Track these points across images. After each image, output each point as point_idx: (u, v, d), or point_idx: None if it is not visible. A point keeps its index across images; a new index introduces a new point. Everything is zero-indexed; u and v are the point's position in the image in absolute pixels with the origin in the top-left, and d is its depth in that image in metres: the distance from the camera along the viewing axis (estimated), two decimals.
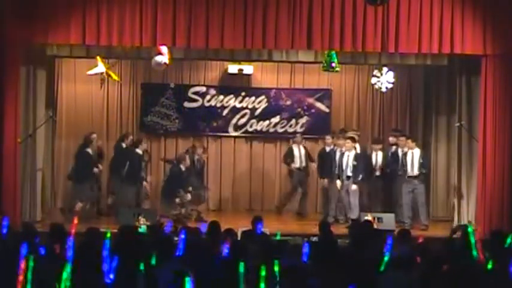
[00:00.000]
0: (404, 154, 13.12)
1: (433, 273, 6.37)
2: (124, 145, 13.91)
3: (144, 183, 13.69)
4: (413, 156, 13.07)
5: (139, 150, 13.64)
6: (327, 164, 13.78)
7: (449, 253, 7.24)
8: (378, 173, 13.39)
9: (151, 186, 14.27)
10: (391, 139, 13.87)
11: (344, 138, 13.71)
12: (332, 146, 13.94)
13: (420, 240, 8.25)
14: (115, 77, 14.20)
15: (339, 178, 13.38)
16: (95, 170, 13.48)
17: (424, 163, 13.08)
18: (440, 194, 14.48)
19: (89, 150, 13.42)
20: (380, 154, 13.54)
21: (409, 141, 13.28)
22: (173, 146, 15.55)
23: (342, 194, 13.35)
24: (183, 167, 13.57)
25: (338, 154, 13.56)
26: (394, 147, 13.62)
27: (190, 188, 13.47)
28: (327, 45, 12.43)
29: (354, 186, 13.11)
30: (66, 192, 14.97)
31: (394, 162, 13.34)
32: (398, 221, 12.93)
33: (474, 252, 6.54)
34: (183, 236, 6.86)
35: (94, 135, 13.59)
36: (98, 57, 13.53)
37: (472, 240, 6.58)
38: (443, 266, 6.55)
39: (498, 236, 7.78)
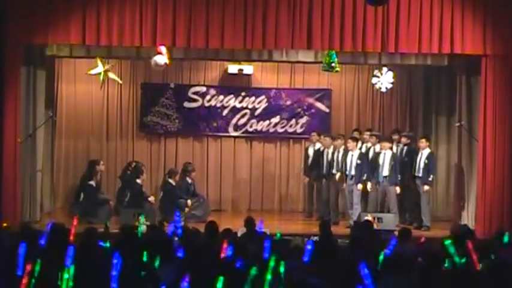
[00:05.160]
0: (420, 155, 13.07)
1: (433, 273, 6.37)
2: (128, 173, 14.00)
3: (150, 199, 13.55)
4: (422, 157, 13.05)
5: (139, 181, 13.53)
6: (321, 163, 13.75)
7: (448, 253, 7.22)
8: (386, 173, 13.15)
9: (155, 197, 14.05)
10: (404, 140, 13.73)
11: (331, 138, 13.63)
12: (320, 145, 13.94)
13: (422, 240, 8.20)
14: (116, 78, 14.22)
15: (346, 176, 13.23)
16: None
17: (430, 165, 12.98)
18: (440, 194, 14.48)
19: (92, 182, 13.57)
20: (389, 153, 13.12)
21: (423, 140, 13.24)
22: (173, 146, 15.56)
23: (344, 193, 13.26)
24: (173, 182, 13.56)
25: (329, 153, 13.53)
26: (406, 148, 13.54)
27: (188, 198, 13.52)
28: (327, 45, 12.43)
29: (359, 186, 13.02)
30: (66, 192, 15.01)
31: (409, 164, 13.25)
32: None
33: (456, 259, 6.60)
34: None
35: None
36: (98, 58, 13.54)
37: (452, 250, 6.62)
38: (443, 266, 6.55)
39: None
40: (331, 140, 13.64)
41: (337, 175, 13.22)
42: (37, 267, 5.92)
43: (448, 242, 6.84)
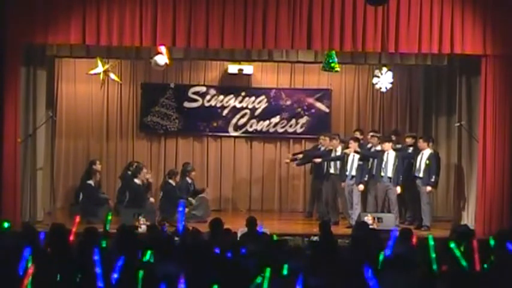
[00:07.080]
0: (420, 156, 13.08)
1: (432, 274, 6.36)
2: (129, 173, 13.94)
3: (150, 200, 13.59)
4: (422, 157, 13.05)
5: (137, 181, 13.48)
6: (324, 164, 13.75)
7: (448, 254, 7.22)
8: (390, 174, 13.01)
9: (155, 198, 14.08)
10: (409, 140, 13.72)
11: (335, 139, 13.62)
12: (327, 146, 13.93)
13: (414, 241, 8.13)
14: (116, 78, 14.23)
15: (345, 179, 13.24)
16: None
17: (431, 166, 12.98)
18: (440, 194, 14.47)
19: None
20: (392, 153, 13.05)
21: (421, 140, 13.24)
22: (173, 146, 15.56)
23: (344, 193, 13.25)
24: (173, 182, 13.59)
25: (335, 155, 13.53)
26: (411, 149, 13.53)
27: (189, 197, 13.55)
28: (327, 45, 12.43)
29: (360, 187, 12.99)
30: (66, 192, 15.01)
31: (411, 164, 13.24)
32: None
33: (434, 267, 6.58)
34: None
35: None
36: (98, 58, 13.54)
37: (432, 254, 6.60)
38: (442, 266, 6.55)
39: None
40: (330, 141, 13.66)
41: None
42: (37, 267, 5.92)
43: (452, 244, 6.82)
